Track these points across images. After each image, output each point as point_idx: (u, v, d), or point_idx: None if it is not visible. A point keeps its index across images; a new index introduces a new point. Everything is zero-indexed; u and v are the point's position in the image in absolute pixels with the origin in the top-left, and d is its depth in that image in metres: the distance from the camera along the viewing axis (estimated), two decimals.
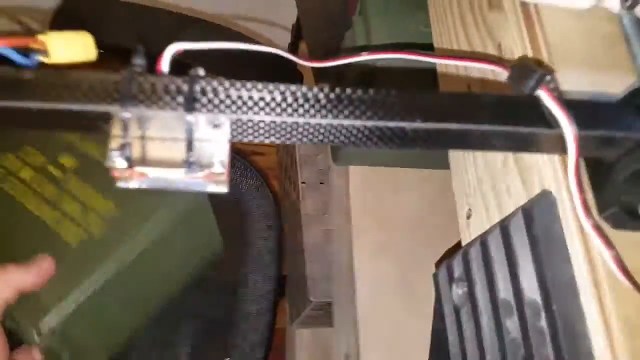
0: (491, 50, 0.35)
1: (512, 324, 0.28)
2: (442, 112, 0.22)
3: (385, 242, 0.58)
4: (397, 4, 0.50)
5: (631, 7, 0.30)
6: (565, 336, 0.25)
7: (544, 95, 0.24)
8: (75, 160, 0.49)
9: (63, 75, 0.21)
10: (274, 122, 0.22)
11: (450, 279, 0.33)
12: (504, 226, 0.30)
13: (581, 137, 0.23)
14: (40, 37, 0.26)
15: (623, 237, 0.26)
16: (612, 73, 0.29)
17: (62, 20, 0.71)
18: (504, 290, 0.29)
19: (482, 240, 0.31)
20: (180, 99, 0.22)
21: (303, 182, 0.66)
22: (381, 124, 0.22)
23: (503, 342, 0.28)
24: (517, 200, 0.30)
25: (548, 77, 0.24)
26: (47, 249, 0.43)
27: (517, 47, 0.32)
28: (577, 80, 0.29)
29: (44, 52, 0.26)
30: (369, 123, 0.22)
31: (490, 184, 0.33)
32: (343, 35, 0.54)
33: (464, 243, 0.35)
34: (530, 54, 0.31)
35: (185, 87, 0.22)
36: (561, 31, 0.31)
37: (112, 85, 0.21)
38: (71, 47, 0.28)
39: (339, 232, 0.63)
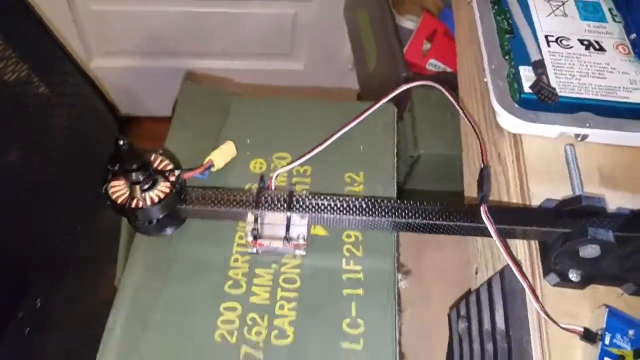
0: (495, 157, 0.52)
1: (489, 347, 0.45)
2: (426, 213, 0.41)
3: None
4: (437, 106, 0.69)
5: (582, 140, 0.47)
6: (517, 353, 0.41)
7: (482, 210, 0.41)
8: None
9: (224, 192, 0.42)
10: (334, 218, 0.42)
11: (457, 316, 0.50)
12: (489, 281, 0.46)
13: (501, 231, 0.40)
14: (209, 157, 0.48)
15: (558, 292, 0.42)
16: (564, 184, 0.45)
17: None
18: (487, 324, 0.46)
19: (477, 290, 0.48)
20: (285, 204, 0.42)
21: None
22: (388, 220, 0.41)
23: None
24: (502, 264, 0.47)
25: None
26: None
27: (508, 157, 0.49)
28: (541, 188, 0.45)
29: (212, 166, 0.48)
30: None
31: (489, 251, 0.50)
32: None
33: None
34: (515, 161, 0.48)
35: (287, 198, 0.43)
36: (535, 151, 0.48)
37: (251, 197, 0.42)
38: (225, 155, 0.49)
39: None
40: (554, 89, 0.47)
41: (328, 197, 0.43)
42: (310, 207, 0.42)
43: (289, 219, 0.43)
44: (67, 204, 0.61)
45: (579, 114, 0.47)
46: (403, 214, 0.41)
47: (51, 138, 0.62)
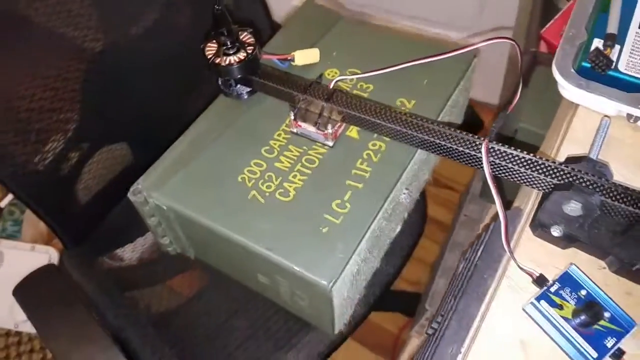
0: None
1: (461, 266, 0.48)
2: (434, 133, 0.46)
3: None
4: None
5: (634, 121, 0.47)
6: (476, 279, 0.45)
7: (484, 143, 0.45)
8: None
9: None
10: (358, 117, 0.49)
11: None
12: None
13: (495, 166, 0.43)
14: (293, 53, 0.58)
15: (540, 243, 0.44)
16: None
17: None
18: (472, 252, 0.49)
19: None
20: (325, 96, 0.51)
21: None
22: None
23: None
24: None
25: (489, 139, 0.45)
26: None
27: (558, 118, 0.51)
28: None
29: (292, 60, 0.58)
30: None
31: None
32: None
33: None
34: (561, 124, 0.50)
35: (329, 91, 0.51)
36: (582, 121, 0.49)
37: (303, 85, 0.52)
38: (307, 56, 0.59)
39: None
40: (611, 60, 0.47)
41: (361, 100, 0.50)
42: (344, 103, 0.50)
43: (322, 108, 0.51)
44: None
45: (635, 94, 0.47)
46: (413, 126, 0.47)
47: None
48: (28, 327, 1.26)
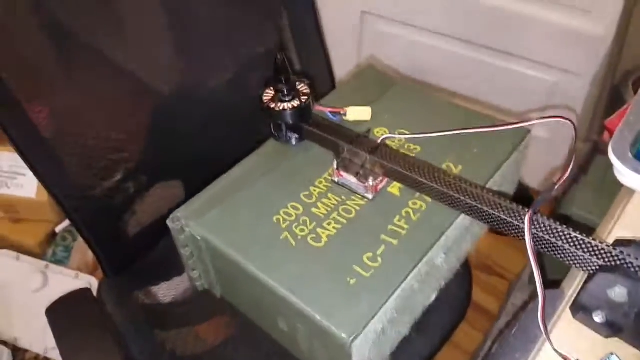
0: None
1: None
2: (476, 197, 0.45)
3: None
4: None
5: None
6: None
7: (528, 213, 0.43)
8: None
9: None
10: (399, 173, 0.49)
11: None
12: None
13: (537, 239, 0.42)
14: (345, 109, 0.60)
15: (579, 327, 0.41)
16: None
17: None
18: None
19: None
20: (369, 149, 0.51)
21: None
22: None
23: None
24: None
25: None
26: None
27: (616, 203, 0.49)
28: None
29: (344, 115, 0.60)
30: None
31: None
32: None
33: None
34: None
35: (375, 145, 0.51)
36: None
37: (351, 136, 0.52)
38: (359, 113, 0.60)
39: None
40: None
41: (405, 156, 0.50)
42: (388, 157, 0.51)
43: (366, 160, 0.51)
44: None
45: None
46: (457, 188, 0.47)
47: None
48: (56, 355, 1.27)
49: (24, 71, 0.55)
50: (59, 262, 1.33)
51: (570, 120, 0.55)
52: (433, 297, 0.55)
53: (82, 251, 1.33)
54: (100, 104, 0.63)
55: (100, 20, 0.59)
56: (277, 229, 0.51)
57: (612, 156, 0.48)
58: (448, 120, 0.59)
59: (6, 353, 1.25)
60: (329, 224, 0.51)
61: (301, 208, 0.53)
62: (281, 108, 0.55)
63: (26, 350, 1.28)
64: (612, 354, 0.39)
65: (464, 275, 0.83)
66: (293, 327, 0.49)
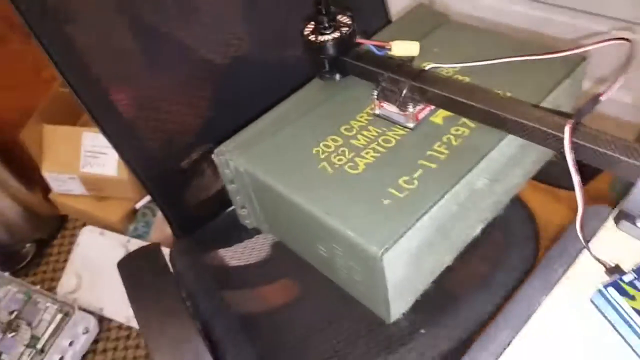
0: None
1: None
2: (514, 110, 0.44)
3: None
4: None
5: None
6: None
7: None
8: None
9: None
10: (440, 97, 0.49)
11: None
12: None
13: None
14: (390, 43, 0.60)
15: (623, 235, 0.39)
16: None
17: None
18: None
19: None
20: (411, 75, 0.51)
21: None
22: None
23: None
24: None
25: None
26: None
27: None
28: None
29: (389, 49, 0.60)
30: None
31: None
32: None
33: None
34: None
35: (417, 71, 0.52)
36: None
37: (393, 64, 0.53)
38: (405, 48, 0.60)
39: None
40: None
41: (446, 80, 0.50)
42: (429, 81, 0.51)
43: (406, 86, 0.52)
44: None
45: None
46: (495, 103, 0.46)
47: None
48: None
49: (106, 59, 0.61)
50: (139, 236, 1.42)
51: (627, 39, 0.52)
52: (478, 229, 0.54)
53: (161, 226, 1.41)
54: (172, 83, 0.68)
55: (172, 5, 0.64)
56: (316, 159, 0.52)
57: None
58: (500, 51, 0.57)
59: (93, 322, 1.35)
60: (367, 153, 0.52)
61: (340, 140, 0.54)
62: (321, 40, 0.57)
63: (110, 320, 1.38)
64: None
65: (531, 234, 0.80)
66: (331, 250, 0.50)
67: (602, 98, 0.45)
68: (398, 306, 0.50)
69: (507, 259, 0.77)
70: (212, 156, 0.57)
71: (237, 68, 0.72)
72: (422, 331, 0.78)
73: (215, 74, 0.72)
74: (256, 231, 0.70)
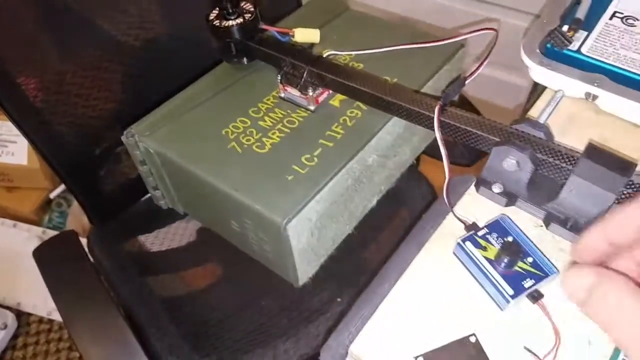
0: None
1: None
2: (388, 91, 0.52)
3: None
4: None
5: (592, 100, 0.51)
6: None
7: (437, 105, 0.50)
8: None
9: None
10: (334, 81, 0.57)
11: None
12: None
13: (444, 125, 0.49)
14: (293, 30, 0.66)
15: (481, 199, 0.48)
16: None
17: None
18: None
19: None
20: (309, 61, 0.58)
21: None
22: None
23: None
24: None
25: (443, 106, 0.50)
26: None
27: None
28: None
29: (292, 36, 0.66)
30: None
31: None
32: None
33: None
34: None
35: (314, 57, 0.59)
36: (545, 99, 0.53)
37: (294, 52, 0.60)
38: (306, 35, 0.67)
39: None
40: (570, 40, 0.52)
41: (340, 67, 0.57)
42: (325, 67, 0.58)
43: (306, 72, 0.58)
44: None
45: (592, 74, 0.51)
46: (382, 90, 0.54)
47: None
48: (59, 317, 1.37)
49: (13, 44, 0.62)
50: (55, 227, 1.42)
51: (494, 29, 0.61)
52: (374, 201, 0.63)
53: (77, 216, 1.42)
54: (82, 66, 0.70)
55: None
56: (225, 139, 0.58)
57: (522, 54, 0.55)
58: (391, 40, 0.65)
59: (10, 317, 1.34)
60: (273, 133, 0.58)
61: (249, 121, 0.60)
62: (225, 25, 0.62)
63: (30, 314, 1.37)
64: (502, 214, 0.46)
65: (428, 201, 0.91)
66: (242, 225, 0.56)
67: (466, 82, 0.54)
68: (304, 271, 0.57)
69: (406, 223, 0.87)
70: (122, 138, 0.61)
71: (149, 51, 0.76)
72: (339, 299, 0.86)
73: (126, 57, 0.75)
74: (176, 215, 0.74)
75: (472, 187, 0.49)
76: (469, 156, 0.81)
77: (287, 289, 0.83)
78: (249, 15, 0.63)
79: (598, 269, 0.28)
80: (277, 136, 0.58)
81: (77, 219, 1.42)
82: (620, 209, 0.28)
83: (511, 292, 0.41)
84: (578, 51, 0.53)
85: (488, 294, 0.43)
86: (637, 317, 0.25)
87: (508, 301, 0.41)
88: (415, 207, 0.93)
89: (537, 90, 0.77)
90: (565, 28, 0.55)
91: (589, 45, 0.53)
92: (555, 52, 0.53)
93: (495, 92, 1.29)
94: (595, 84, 0.50)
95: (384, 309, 0.43)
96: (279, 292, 0.87)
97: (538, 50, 0.54)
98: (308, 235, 0.54)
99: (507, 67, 1.22)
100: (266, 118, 0.60)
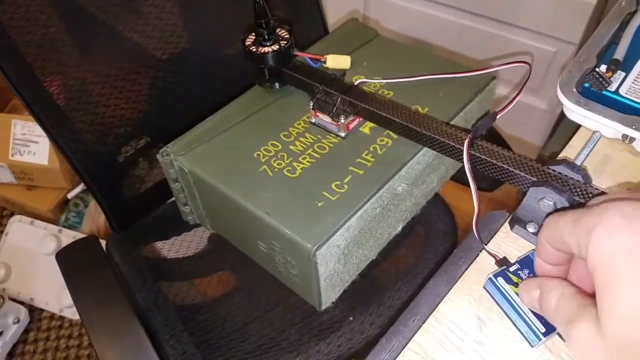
0: None
1: None
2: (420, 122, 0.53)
3: None
4: None
5: (629, 142, 0.51)
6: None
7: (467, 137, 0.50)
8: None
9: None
10: (366, 110, 0.57)
11: None
12: None
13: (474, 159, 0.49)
14: (325, 56, 0.67)
15: (514, 237, 0.48)
16: None
17: None
18: None
19: None
20: (341, 89, 0.59)
21: None
22: None
23: None
24: None
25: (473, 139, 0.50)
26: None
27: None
28: None
29: (324, 62, 0.67)
30: None
31: None
32: None
33: None
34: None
35: (347, 86, 0.59)
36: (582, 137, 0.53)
37: (327, 79, 0.60)
38: (338, 61, 0.67)
39: None
40: (608, 81, 0.52)
41: (372, 96, 0.58)
42: (357, 96, 0.58)
43: (338, 100, 0.59)
44: None
45: (631, 117, 0.51)
46: (414, 121, 0.54)
47: None
48: (71, 314, 1.38)
49: (39, 45, 0.64)
50: (71, 227, 1.43)
51: (528, 63, 0.61)
52: (399, 228, 0.63)
53: (93, 216, 1.43)
54: (107, 73, 0.72)
55: None
56: (257, 162, 0.59)
57: (559, 92, 0.55)
58: (423, 68, 0.66)
59: (23, 312, 1.36)
60: (304, 158, 0.59)
61: (280, 145, 0.61)
62: (262, 52, 0.63)
63: (42, 310, 1.39)
64: (533, 250, 0.46)
65: (450, 229, 0.91)
66: (270, 247, 0.57)
67: (498, 116, 0.54)
68: (328, 296, 0.58)
69: (427, 252, 0.87)
70: (157, 156, 0.62)
71: (176, 66, 0.77)
72: (351, 318, 0.87)
73: (154, 70, 0.76)
74: (195, 225, 0.75)
75: (506, 224, 0.49)
76: (491, 180, 0.81)
77: (298, 302, 0.83)
78: (285, 42, 0.63)
79: (539, 279, 0.39)
80: (308, 161, 0.59)
81: (93, 219, 1.43)
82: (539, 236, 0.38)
83: (543, 329, 0.42)
84: (616, 92, 0.53)
85: (519, 330, 0.43)
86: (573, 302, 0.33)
87: (540, 338, 0.41)
88: (431, 225, 0.93)
89: (563, 122, 0.78)
90: (603, 68, 0.55)
91: (627, 86, 0.53)
92: (592, 92, 0.54)
93: (517, 114, 1.29)
94: (634, 127, 0.50)
95: (415, 342, 0.43)
96: (291, 305, 0.87)
97: (575, 90, 0.54)
98: (335, 262, 0.54)
99: (529, 90, 1.23)
100: (297, 142, 0.61)
